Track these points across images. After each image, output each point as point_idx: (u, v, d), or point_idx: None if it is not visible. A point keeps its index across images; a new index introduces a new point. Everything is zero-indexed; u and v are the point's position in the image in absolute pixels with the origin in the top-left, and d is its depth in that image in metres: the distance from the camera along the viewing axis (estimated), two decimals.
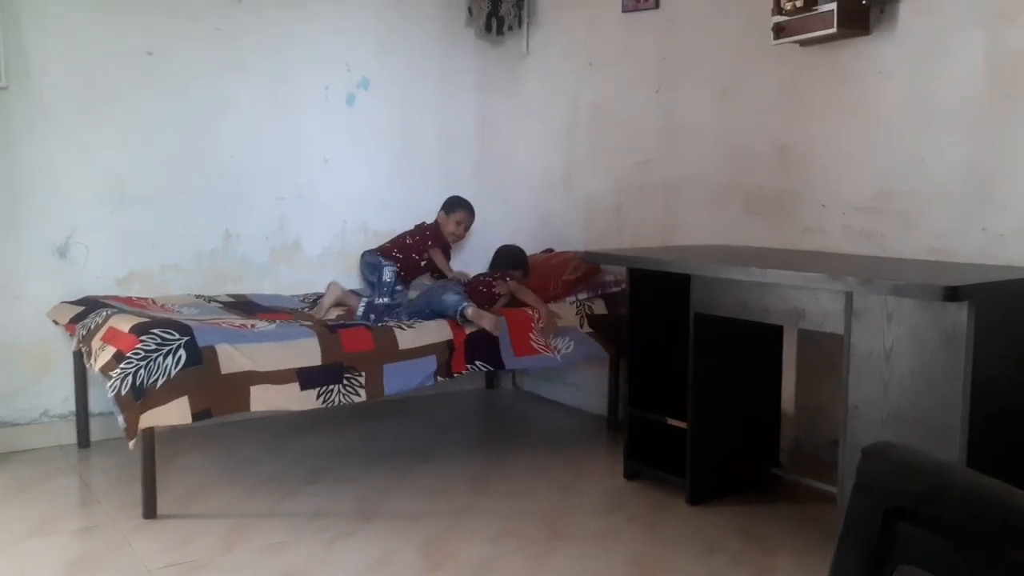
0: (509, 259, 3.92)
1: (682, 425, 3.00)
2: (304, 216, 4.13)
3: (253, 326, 3.17)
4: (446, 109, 4.51)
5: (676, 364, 3.04)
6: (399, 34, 4.33)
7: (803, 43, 3.11)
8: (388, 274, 3.73)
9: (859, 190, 3.05)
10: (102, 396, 3.60)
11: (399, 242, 3.96)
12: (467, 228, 4.03)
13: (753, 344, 3.07)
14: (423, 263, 3.95)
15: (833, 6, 2.88)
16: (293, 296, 3.95)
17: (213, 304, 3.67)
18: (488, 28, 4.38)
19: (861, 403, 2.36)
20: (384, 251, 3.91)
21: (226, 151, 3.90)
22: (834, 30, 2.90)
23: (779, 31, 3.07)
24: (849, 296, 2.37)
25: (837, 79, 3.10)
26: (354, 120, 4.23)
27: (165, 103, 3.73)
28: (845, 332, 2.40)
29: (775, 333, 3.13)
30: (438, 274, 3.98)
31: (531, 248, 4.14)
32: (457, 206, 3.99)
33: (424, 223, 4.04)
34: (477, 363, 3.43)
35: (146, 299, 3.60)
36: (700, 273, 2.81)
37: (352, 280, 4.10)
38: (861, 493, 1.13)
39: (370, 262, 3.86)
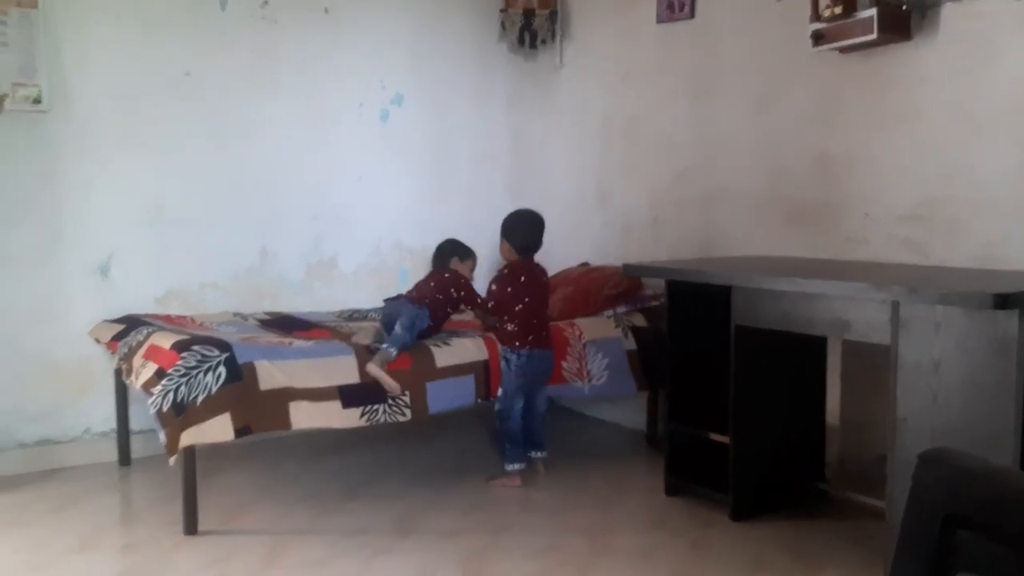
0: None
1: (724, 440, 2.95)
2: (339, 233, 4.15)
3: (291, 343, 3.18)
4: (479, 124, 4.52)
5: (717, 378, 3.00)
6: (432, 50, 4.35)
7: (843, 50, 3.06)
8: (423, 320, 3.28)
9: (903, 198, 2.99)
10: (143, 414, 3.63)
11: (426, 294, 3.43)
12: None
13: (796, 356, 3.02)
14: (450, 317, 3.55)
15: (873, 12, 2.84)
16: (329, 312, 3.95)
17: (251, 321, 3.68)
18: (521, 42, 4.38)
19: (910, 415, 2.30)
20: (415, 301, 3.39)
21: (262, 170, 3.93)
22: (874, 36, 2.86)
23: (818, 38, 3.04)
24: (895, 306, 2.32)
25: (878, 86, 3.05)
26: (388, 137, 4.25)
27: (202, 123, 3.78)
28: (892, 343, 2.35)
29: (819, 345, 3.08)
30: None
31: (567, 262, 4.12)
32: (468, 253, 3.69)
33: (443, 274, 3.55)
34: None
35: (185, 317, 3.63)
36: (742, 284, 2.77)
37: (383, 296, 4.10)
38: (918, 500, 1.09)
39: (402, 310, 3.31)
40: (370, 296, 4.16)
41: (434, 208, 4.36)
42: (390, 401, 3.08)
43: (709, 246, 3.70)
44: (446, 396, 3.22)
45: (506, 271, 3.42)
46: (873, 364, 2.93)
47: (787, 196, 3.39)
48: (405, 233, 4.32)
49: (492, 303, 3.41)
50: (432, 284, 3.48)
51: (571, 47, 4.40)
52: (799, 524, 2.92)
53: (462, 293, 3.47)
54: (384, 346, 3.16)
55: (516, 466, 3.37)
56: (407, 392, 3.12)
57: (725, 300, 2.86)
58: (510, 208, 4.36)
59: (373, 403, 3.05)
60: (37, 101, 3.41)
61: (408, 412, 3.13)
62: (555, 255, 4.10)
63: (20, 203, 3.43)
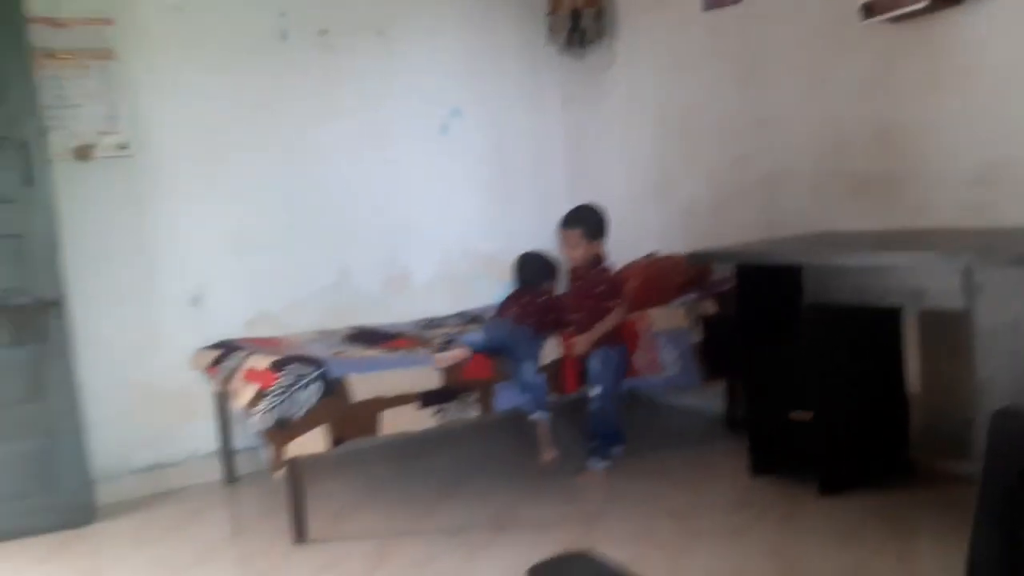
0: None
1: (806, 417, 3.00)
2: (411, 246, 4.30)
3: (376, 356, 3.33)
4: (536, 127, 4.63)
5: (794, 358, 3.03)
6: (484, 61, 4.47)
7: (893, 20, 3.08)
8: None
9: (967, 163, 2.99)
10: (244, 434, 3.85)
11: (529, 310, 3.49)
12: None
13: (871, 329, 3.04)
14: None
15: None
16: (408, 322, 4.10)
17: (336, 337, 3.84)
18: (570, 43, 4.47)
19: (991, 378, 2.33)
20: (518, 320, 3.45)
21: (334, 191, 4.10)
22: (925, 3, 2.88)
23: (868, 11, 3.06)
24: (969, 272, 2.35)
25: (932, 53, 3.06)
26: (450, 148, 4.39)
27: (274, 152, 3.96)
28: (968, 308, 2.37)
29: (894, 316, 3.09)
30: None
31: (632, 254, 4.19)
32: (556, 271, 3.73)
33: (540, 299, 3.57)
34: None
35: (275, 338, 3.80)
36: (812, 262, 2.81)
37: (456, 305, 4.29)
38: (993, 457, 1.15)
39: (520, 345, 3.35)
40: (444, 304, 4.30)
41: (499, 213, 4.48)
42: (457, 399, 3.21)
43: (774, 227, 3.73)
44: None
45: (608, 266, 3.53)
46: (950, 329, 2.94)
47: (849, 170, 3.41)
48: (473, 240, 4.45)
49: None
50: (532, 308, 3.49)
51: (620, 43, 4.46)
52: (887, 494, 2.95)
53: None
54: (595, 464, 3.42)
55: (607, 463, 3.46)
56: (476, 392, 3.24)
57: (795, 279, 2.90)
58: (571, 205, 4.47)
59: (443, 401, 3.19)
60: (123, 147, 3.63)
61: (476, 409, 3.25)
62: (620, 248, 4.16)
63: (116, 242, 3.65)
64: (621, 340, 3.46)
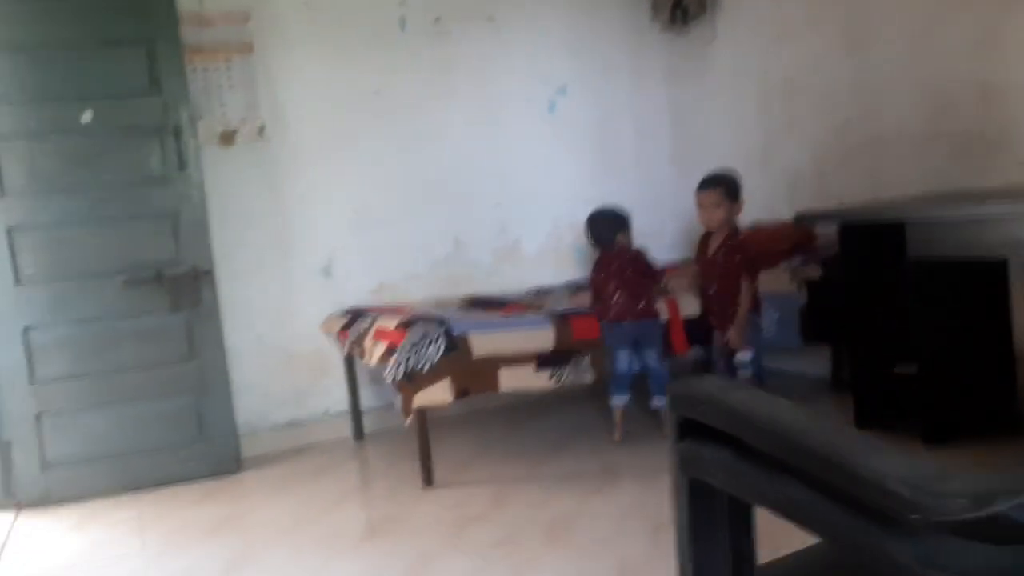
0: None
1: (910, 370, 3.07)
2: (521, 219, 4.53)
3: (495, 317, 3.57)
4: (639, 103, 4.78)
5: (898, 316, 3.11)
6: (589, 41, 4.65)
7: None
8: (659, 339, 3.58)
9: None
10: (370, 394, 4.18)
11: (630, 292, 3.55)
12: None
13: (975, 284, 3.08)
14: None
15: None
16: (518, 291, 4.33)
17: (452, 305, 4.11)
18: (673, 20, 4.60)
19: None
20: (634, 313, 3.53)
21: (449, 168, 4.37)
22: None
23: None
24: None
25: None
26: (556, 125, 4.59)
27: (394, 133, 4.25)
28: None
29: (999, 269, 3.12)
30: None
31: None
32: (626, 223, 3.74)
33: (623, 259, 3.63)
34: (699, 345, 3.69)
35: (397, 305, 4.10)
36: (914, 217, 2.89)
37: (564, 274, 4.51)
38: None
39: (644, 337, 3.54)
40: (552, 274, 4.53)
41: (604, 186, 4.65)
42: (572, 363, 3.41)
43: (878, 190, 3.79)
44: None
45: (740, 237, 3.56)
46: None
47: (952, 130, 3.44)
48: (579, 212, 4.57)
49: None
50: (623, 277, 3.55)
51: (722, 18, 4.57)
52: (992, 446, 2.99)
53: (644, 272, 3.60)
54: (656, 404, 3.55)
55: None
56: (588, 355, 3.44)
57: (899, 236, 2.98)
58: (676, 178, 4.62)
59: (559, 365, 3.40)
60: (261, 132, 3.98)
61: (591, 373, 3.45)
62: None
63: (255, 220, 4.01)
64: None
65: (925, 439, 3.05)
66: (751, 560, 0.92)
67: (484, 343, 3.31)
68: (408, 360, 3.19)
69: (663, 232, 4.64)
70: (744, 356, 3.48)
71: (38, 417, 3.55)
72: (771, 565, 1.00)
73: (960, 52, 3.37)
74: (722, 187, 3.47)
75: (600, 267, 3.69)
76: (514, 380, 3.35)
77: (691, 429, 0.89)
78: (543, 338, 3.40)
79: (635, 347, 3.54)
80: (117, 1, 3.56)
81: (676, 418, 0.89)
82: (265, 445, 4.01)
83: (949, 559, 0.67)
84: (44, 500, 3.54)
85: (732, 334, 3.46)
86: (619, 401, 3.61)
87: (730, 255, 3.48)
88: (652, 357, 3.54)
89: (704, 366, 3.93)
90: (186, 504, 3.43)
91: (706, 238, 3.62)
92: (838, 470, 0.71)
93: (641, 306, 3.52)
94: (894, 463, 0.68)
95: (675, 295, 3.66)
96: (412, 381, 3.19)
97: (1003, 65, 3.22)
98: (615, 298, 3.54)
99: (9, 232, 3.50)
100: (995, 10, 3.22)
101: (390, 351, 3.25)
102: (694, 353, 3.83)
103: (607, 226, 3.71)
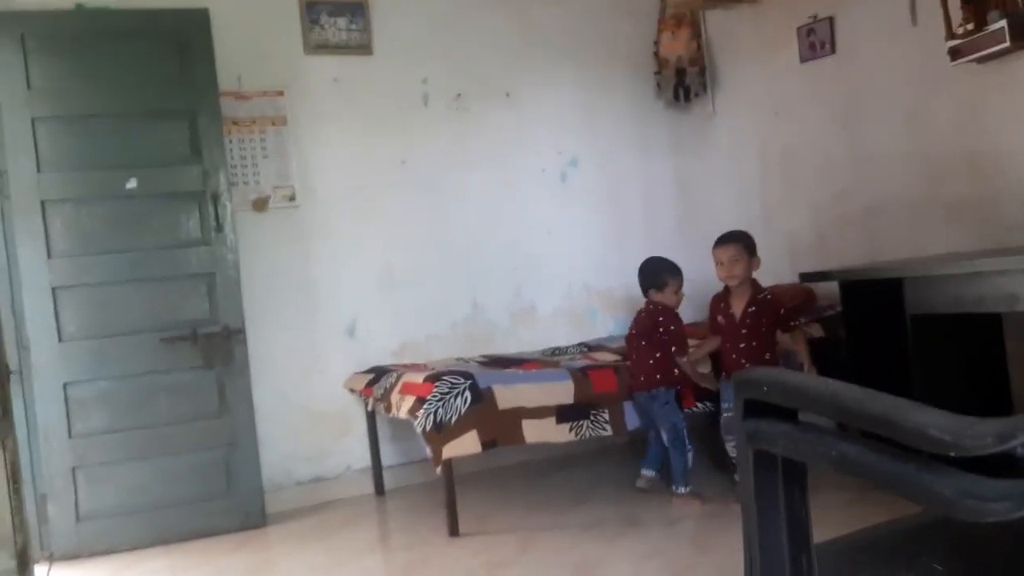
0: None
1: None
2: (536, 282, 4.74)
3: (516, 372, 3.74)
4: (646, 174, 5.05)
5: (899, 372, 3.28)
6: (599, 116, 4.94)
7: (980, 60, 3.39)
8: (674, 406, 3.66)
9: None
10: (391, 451, 4.31)
11: (646, 348, 3.67)
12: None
13: (972, 338, 3.27)
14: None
15: (1003, 23, 3.17)
16: (535, 351, 4.51)
17: (472, 364, 4.28)
18: (676, 97, 4.91)
19: None
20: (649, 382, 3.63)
21: (468, 234, 4.59)
22: (1007, 44, 3.18)
23: (955, 54, 3.39)
24: None
25: (1017, 87, 3.35)
26: (569, 194, 4.85)
27: (417, 200, 4.49)
28: None
29: (994, 324, 3.33)
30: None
31: None
32: (663, 281, 3.78)
33: (645, 317, 3.76)
34: (707, 403, 3.77)
35: (419, 364, 4.27)
36: (911, 274, 3.09)
37: (578, 335, 4.69)
38: None
39: (656, 413, 3.64)
40: (566, 335, 4.71)
41: (613, 251, 4.88)
42: (591, 418, 3.57)
43: (875, 254, 4.02)
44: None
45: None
46: None
47: (944, 197, 3.69)
48: (591, 276, 4.86)
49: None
50: (645, 335, 3.67)
51: (722, 95, 4.89)
52: None
53: (662, 330, 3.67)
54: (676, 489, 3.56)
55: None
56: (607, 410, 3.60)
57: (897, 294, 3.18)
58: (681, 244, 4.85)
59: (579, 419, 3.56)
60: (292, 198, 4.21)
61: (609, 428, 3.61)
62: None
63: (285, 281, 4.20)
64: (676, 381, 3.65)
65: None
66: (806, 526, 1.09)
67: (508, 395, 3.47)
68: (437, 411, 3.35)
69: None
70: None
71: (74, 471, 3.67)
72: (829, 542, 1.17)
73: (949, 125, 3.65)
74: (741, 242, 3.57)
75: (633, 322, 3.84)
76: (537, 432, 3.50)
77: (753, 410, 1.07)
78: (563, 391, 3.57)
79: (650, 421, 3.66)
80: (163, 76, 3.82)
81: (742, 401, 1.07)
82: (289, 501, 4.12)
83: (979, 490, 0.84)
84: (77, 553, 3.63)
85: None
86: (641, 477, 3.75)
87: (761, 313, 3.53)
88: (663, 435, 3.59)
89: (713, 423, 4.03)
90: (217, 555, 3.53)
91: (722, 297, 3.67)
92: (889, 425, 0.89)
93: (652, 369, 3.59)
94: (934, 415, 0.87)
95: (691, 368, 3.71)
96: (441, 432, 3.33)
97: (989, 137, 3.49)
98: (633, 357, 3.71)
99: (54, 292, 3.67)
100: (979, 88, 3.50)
101: (420, 402, 3.40)
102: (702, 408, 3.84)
103: (643, 277, 3.83)
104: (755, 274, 3.63)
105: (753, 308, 3.54)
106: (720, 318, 3.66)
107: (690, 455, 3.57)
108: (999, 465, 0.88)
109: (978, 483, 0.85)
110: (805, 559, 1.09)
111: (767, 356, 3.52)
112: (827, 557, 1.15)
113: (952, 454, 0.83)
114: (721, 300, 3.69)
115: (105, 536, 3.67)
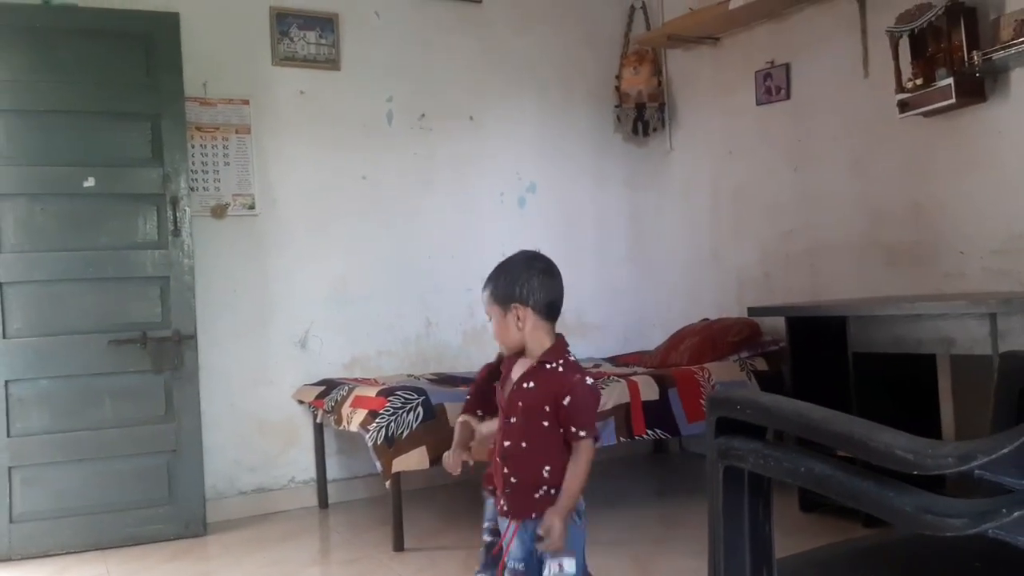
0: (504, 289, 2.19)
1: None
2: None
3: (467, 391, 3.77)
4: (601, 203, 5.16)
5: (840, 404, 3.42)
6: (558, 145, 5.04)
7: (926, 114, 3.57)
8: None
9: (992, 235, 3.44)
10: (336, 465, 4.29)
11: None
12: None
13: (908, 376, 3.42)
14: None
15: (950, 80, 3.35)
16: None
17: (422, 381, 4.30)
18: (635, 132, 5.04)
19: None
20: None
21: (424, 252, 4.63)
22: (953, 100, 3.36)
23: (904, 106, 3.56)
24: (993, 318, 2.76)
25: (960, 141, 3.55)
26: (526, 218, 4.93)
27: (376, 216, 4.51)
28: (993, 353, 2.78)
29: (928, 364, 3.48)
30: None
31: (688, 319, 4.64)
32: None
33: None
34: (656, 430, 3.77)
35: (370, 379, 4.27)
36: (855, 314, 3.24)
37: None
38: None
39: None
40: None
41: (566, 277, 4.91)
42: None
43: (818, 292, 4.18)
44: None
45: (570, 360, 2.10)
46: (981, 377, 3.32)
47: (887, 242, 3.86)
48: None
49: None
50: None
51: (679, 132, 5.03)
52: None
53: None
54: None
55: None
56: None
57: (841, 331, 3.32)
58: (632, 272, 4.95)
59: None
60: (251, 207, 4.20)
61: None
62: (676, 312, 4.64)
63: (239, 289, 4.18)
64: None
65: (866, 523, 3.32)
66: (770, 540, 1.15)
67: (458, 412, 3.48)
68: (389, 426, 3.36)
69: (613, 325, 4.97)
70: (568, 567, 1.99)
71: (10, 471, 3.57)
72: (790, 557, 1.24)
73: (894, 174, 3.83)
74: (488, 288, 2.22)
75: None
76: (485, 451, 3.53)
77: (724, 428, 1.14)
78: None
79: None
80: (129, 77, 3.79)
81: (714, 419, 1.13)
82: (230, 510, 4.07)
83: (938, 507, 0.92)
84: (9, 555, 3.53)
85: (553, 524, 1.93)
86: None
87: (542, 394, 2.05)
88: None
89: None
90: (154, 563, 3.47)
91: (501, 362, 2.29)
92: (856, 445, 0.96)
93: None
94: (899, 437, 0.94)
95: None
96: (391, 446, 3.35)
97: (931, 187, 3.67)
98: None
99: (1, 287, 3.60)
100: (924, 140, 3.69)
101: (372, 415, 3.42)
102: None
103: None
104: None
105: (531, 383, 2.08)
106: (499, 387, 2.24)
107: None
108: (958, 486, 0.96)
109: (937, 501, 0.93)
110: (767, 572, 1.15)
111: (545, 472, 2.03)
112: (788, 572, 1.22)
113: (915, 472, 0.91)
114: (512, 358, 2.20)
115: (39, 539, 3.58)
